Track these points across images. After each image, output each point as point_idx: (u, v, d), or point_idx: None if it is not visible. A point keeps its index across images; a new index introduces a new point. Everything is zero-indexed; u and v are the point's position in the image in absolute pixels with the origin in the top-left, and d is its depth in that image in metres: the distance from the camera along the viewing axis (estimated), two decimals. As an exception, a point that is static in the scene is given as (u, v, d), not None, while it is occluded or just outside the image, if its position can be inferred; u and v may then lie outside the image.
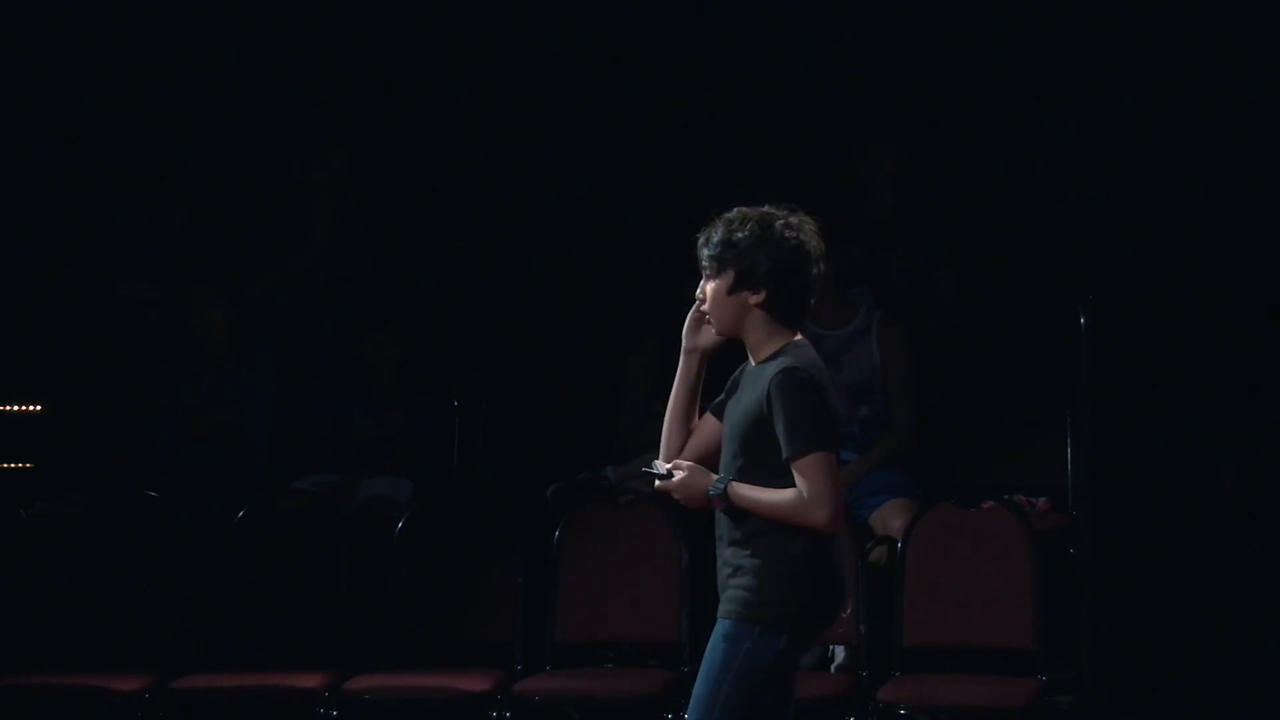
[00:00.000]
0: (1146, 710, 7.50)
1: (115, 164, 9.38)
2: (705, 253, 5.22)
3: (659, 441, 7.93)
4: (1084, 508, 7.53)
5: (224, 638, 7.70)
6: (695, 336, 5.32)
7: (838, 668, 7.39)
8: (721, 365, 5.39)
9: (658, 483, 5.25)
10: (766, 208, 5.22)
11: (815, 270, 5.19)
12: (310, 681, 7.34)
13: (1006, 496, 7.39)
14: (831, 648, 7.42)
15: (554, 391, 8.73)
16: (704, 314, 5.28)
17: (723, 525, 5.22)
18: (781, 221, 5.17)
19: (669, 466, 5.24)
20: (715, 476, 5.19)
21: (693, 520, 7.63)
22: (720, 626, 5.14)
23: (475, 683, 7.28)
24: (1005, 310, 8.56)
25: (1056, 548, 7.43)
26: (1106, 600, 7.41)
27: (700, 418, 5.34)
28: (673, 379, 8.09)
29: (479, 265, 9.25)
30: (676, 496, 5.24)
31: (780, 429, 5.07)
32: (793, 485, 5.08)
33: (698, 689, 5.13)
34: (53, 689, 7.44)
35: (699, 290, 5.26)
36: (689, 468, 5.22)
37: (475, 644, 7.60)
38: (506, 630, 7.55)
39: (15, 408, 8.91)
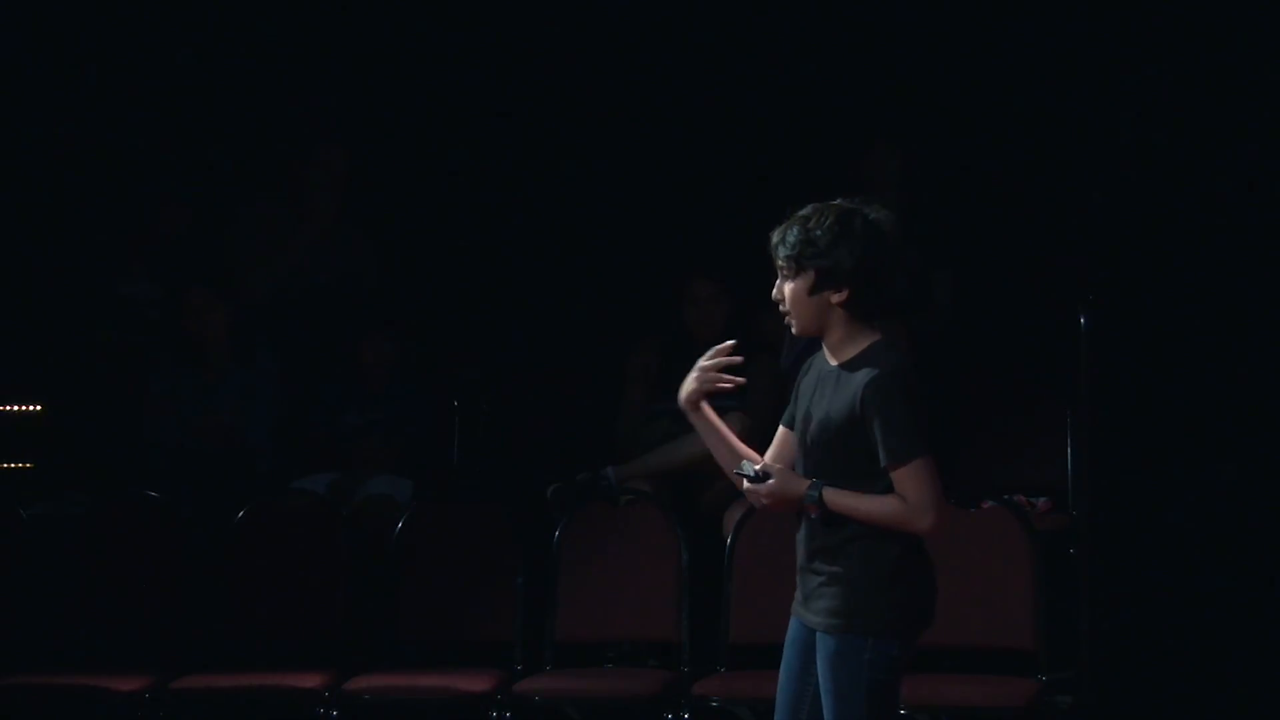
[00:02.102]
0: (1146, 710, 7.50)
1: (115, 164, 9.38)
2: (782, 251, 5.01)
3: (659, 441, 8.01)
4: (1084, 508, 7.52)
5: (224, 638, 7.70)
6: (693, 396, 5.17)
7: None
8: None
9: (746, 485, 5.07)
10: (842, 201, 5.04)
11: (896, 265, 5.03)
12: (310, 681, 7.34)
13: (1006, 496, 7.39)
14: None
15: (554, 391, 8.73)
16: (702, 384, 5.14)
17: (808, 530, 5.07)
18: (860, 217, 5.00)
19: (760, 467, 5.08)
20: (808, 482, 5.02)
21: (692, 520, 7.66)
22: (825, 644, 5.00)
23: (475, 683, 7.28)
24: (1005, 310, 8.55)
25: (1056, 548, 7.42)
26: (1106, 600, 7.40)
27: (778, 431, 5.20)
28: (672, 379, 8.14)
29: (479, 264, 9.24)
30: (765, 502, 5.06)
31: (879, 435, 4.92)
32: (879, 489, 4.96)
33: (829, 715, 4.99)
34: (53, 689, 7.45)
35: (775, 291, 5.07)
36: (780, 471, 5.05)
37: (475, 644, 7.60)
38: (506, 630, 7.55)
39: (15, 408, 8.90)
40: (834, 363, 5.06)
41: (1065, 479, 7.70)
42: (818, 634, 5.04)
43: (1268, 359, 8.29)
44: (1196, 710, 7.50)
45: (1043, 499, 7.74)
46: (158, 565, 7.80)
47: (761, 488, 5.05)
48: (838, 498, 4.98)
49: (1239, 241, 8.49)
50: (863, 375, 4.96)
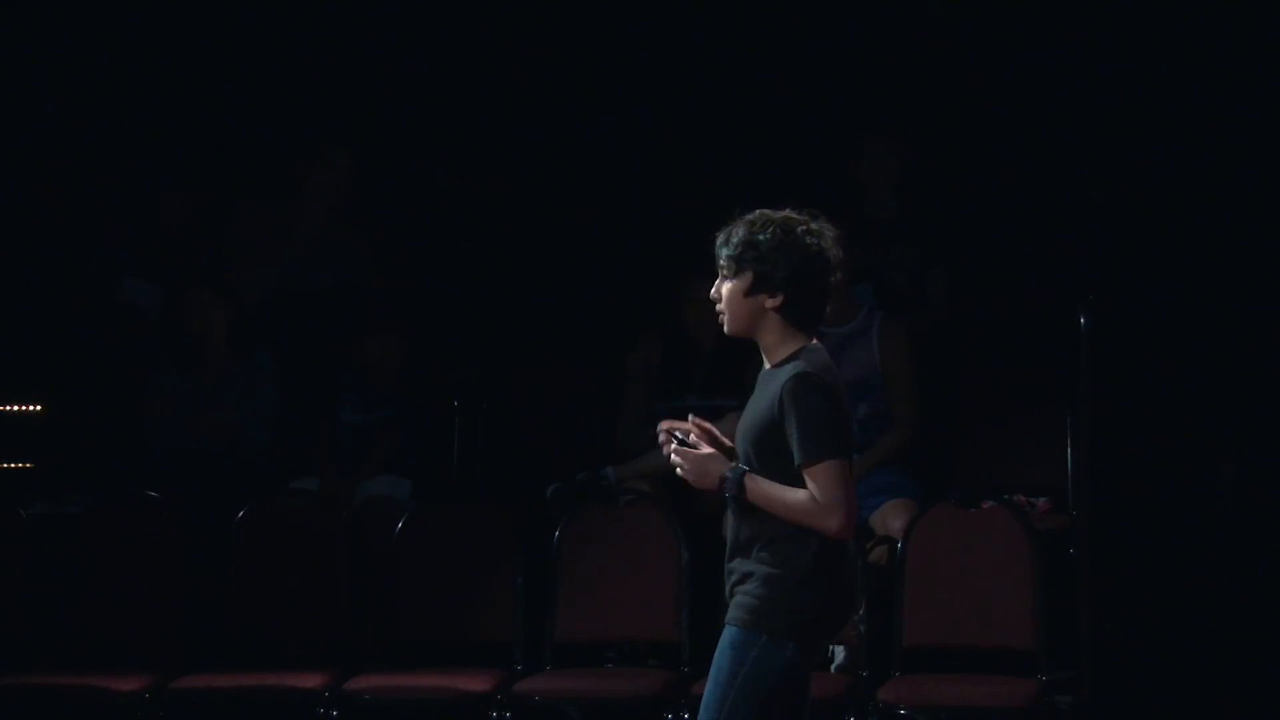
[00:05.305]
0: (1146, 710, 7.50)
1: (116, 163, 9.38)
2: (724, 252, 5.15)
3: (658, 442, 7.99)
4: (1084, 508, 7.53)
5: (224, 638, 7.70)
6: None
7: (838, 668, 7.39)
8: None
9: (675, 445, 5.13)
10: (788, 212, 5.16)
11: (833, 279, 5.15)
12: (310, 681, 7.34)
13: (1006, 496, 7.40)
14: (831, 648, 7.41)
15: (554, 391, 8.73)
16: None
17: (732, 533, 5.16)
18: (804, 227, 5.12)
19: (693, 435, 5.14)
20: (733, 463, 5.12)
21: (692, 520, 7.66)
22: (727, 633, 5.11)
23: (475, 683, 7.29)
24: (1005, 310, 8.56)
25: (1056, 548, 7.43)
26: (1106, 600, 7.41)
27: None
28: (672, 378, 8.18)
29: (479, 265, 9.24)
30: (689, 475, 5.15)
31: (793, 435, 5.02)
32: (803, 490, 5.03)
33: (706, 696, 5.11)
34: (53, 689, 7.45)
35: (714, 290, 5.18)
36: (711, 450, 5.13)
37: (475, 644, 7.60)
38: (506, 630, 7.55)
39: (15, 408, 8.91)
40: (768, 365, 5.17)
41: (1065, 479, 7.70)
42: (726, 626, 5.13)
43: (1268, 359, 8.29)
44: (1196, 710, 7.50)
45: (1043, 499, 7.75)
46: (158, 565, 7.80)
47: (688, 454, 5.11)
48: (756, 484, 5.07)
49: (1239, 241, 8.50)
50: (783, 377, 5.07)
